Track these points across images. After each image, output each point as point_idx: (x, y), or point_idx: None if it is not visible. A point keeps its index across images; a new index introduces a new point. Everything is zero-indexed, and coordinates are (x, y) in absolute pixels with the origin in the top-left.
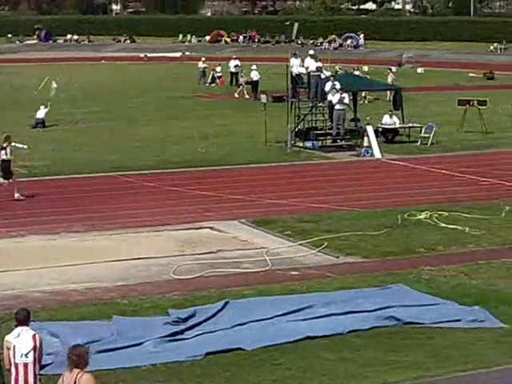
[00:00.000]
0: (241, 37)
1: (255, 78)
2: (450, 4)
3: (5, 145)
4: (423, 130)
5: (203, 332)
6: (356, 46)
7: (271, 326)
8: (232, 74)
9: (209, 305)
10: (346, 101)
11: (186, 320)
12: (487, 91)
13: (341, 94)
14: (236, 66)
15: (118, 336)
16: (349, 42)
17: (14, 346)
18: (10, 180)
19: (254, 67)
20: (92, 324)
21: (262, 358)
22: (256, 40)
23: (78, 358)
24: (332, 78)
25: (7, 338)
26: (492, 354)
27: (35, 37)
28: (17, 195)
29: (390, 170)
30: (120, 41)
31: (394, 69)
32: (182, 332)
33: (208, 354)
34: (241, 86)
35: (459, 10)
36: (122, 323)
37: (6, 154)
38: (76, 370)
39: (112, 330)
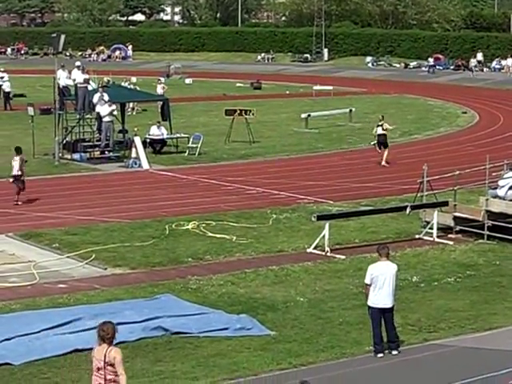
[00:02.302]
0: (9, 49)
1: (7, 90)
2: (218, 15)
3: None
4: (191, 140)
5: None
6: (124, 57)
7: (38, 340)
8: None
9: None
10: (114, 112)
11: None
12: (254, 100)
13: (109, 105)
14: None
15: None
16: (117, 53)
17: None
18: None
19: (5, 78)
20: None
21: (30, 373)
22: (24, 52)
23: (106, 334)
24: (101, 90)
25: None
26: (259, 361)
27: None
28: None
29: (158, 181)
30: None
31: (162, 79)
32: None
33: None
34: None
35: (226, 20)
36: None
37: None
38: (105, 345)
39: None
